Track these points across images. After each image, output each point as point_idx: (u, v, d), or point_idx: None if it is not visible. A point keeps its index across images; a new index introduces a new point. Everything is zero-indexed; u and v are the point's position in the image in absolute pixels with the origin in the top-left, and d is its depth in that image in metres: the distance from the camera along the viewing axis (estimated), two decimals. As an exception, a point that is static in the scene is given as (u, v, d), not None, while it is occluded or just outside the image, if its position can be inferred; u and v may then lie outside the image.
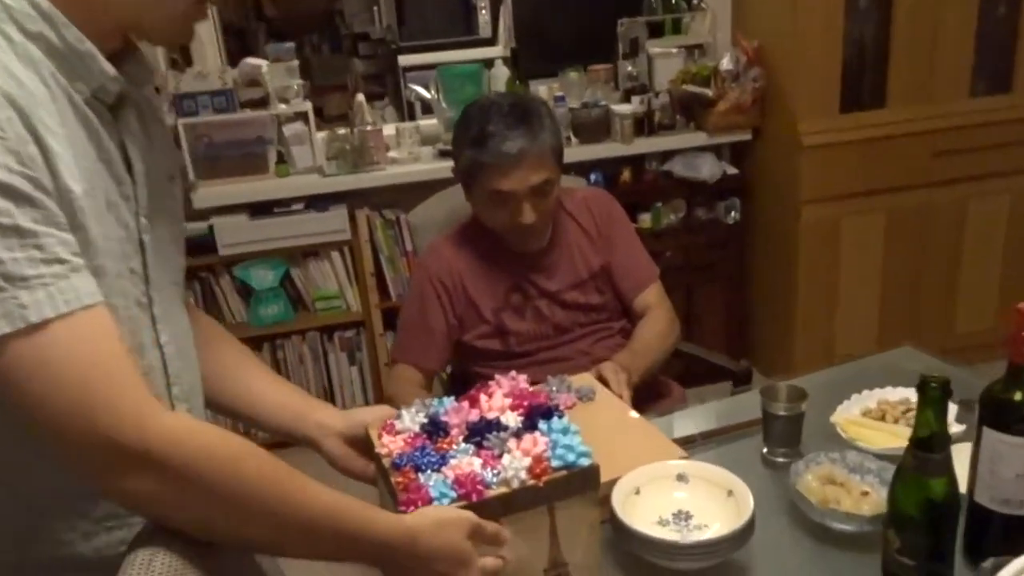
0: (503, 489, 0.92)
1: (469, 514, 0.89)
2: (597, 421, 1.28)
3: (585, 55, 3.05)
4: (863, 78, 2.70)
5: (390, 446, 1.01)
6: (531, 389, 1.11)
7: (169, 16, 0.82)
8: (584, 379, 1.42)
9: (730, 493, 1.08)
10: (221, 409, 1.09)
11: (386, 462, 1.00)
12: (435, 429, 1.03)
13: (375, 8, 5.20)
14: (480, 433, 1.00)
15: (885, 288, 2.87)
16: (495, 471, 0.93)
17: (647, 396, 1.64)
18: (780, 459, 1.24)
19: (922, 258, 2.87)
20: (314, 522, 0.80)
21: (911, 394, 1.34)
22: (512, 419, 1.03)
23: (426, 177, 2.56)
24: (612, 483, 1.12)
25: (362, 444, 1.09)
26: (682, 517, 1.09)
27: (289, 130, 2.67)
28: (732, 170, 2.99)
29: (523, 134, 1.56)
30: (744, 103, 2.82)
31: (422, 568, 0.86)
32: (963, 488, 0.96)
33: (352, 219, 2.70)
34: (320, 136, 2.71)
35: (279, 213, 2.64)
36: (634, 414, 1.30)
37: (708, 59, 2.98)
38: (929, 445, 0.92)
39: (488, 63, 3.04)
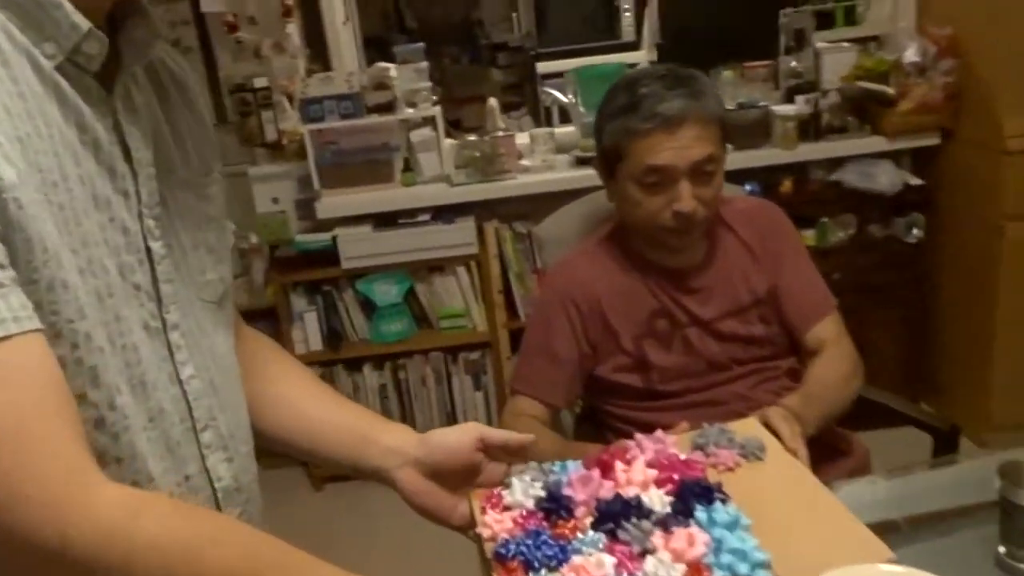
0: None
1: None
2: (766, 492, 0.99)
3: (741, 51, 2.75)
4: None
5: (495, 527, 0.78)
6: (683, 456, 0.85)
7: None
8: (749, 428, 1.12)
9: None
10: (275, 444, 0.89)
11: (488, 548, 0.77)
12: (555, 507, 0.79)
13: (514, 15, 5.09)
14: (615, 518, 0.75)
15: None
16: None
17: (820, 452, 1.32)
18: (1027, 566, 0.91)
19: None
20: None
21: None
22: (657, 499, 0.77)
23: (561, 187, 2.33)
24: None
25: (447, 475, 0.86)
26: None
27: (416, 136, 2.52)
28: (915, 180, 2.58)
29: (683, 95, 1.31)
30: (933, 101, 2.41)
31: None
32: None
33: (480, 232, 2.52)
34: (449, 143, 2.56)
35: (404, 224, 2.49)
36: (818, 484, 1.00)
37: (887, 52, 2.59)
38: None
39: (630, 66, 2.78)
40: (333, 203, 2.50)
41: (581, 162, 2.53)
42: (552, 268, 1.57)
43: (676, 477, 0.82)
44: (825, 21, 2.66)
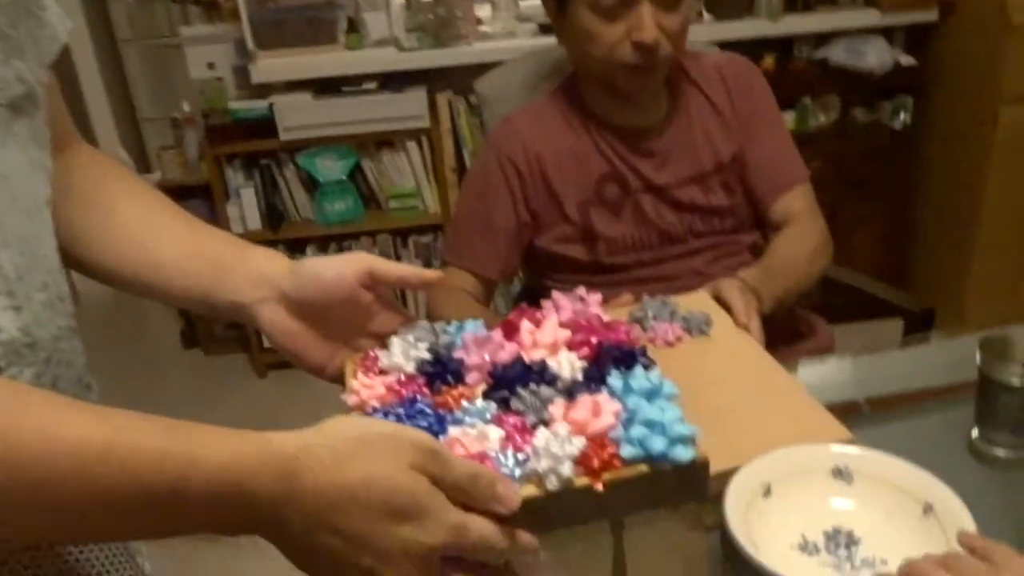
0: (530, 489, 0.52)
1: (423, 436, 0.50)
2: (711, 369, 0.85)
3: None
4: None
5: (363, 393, 0.62)
6: (608, 317, 0.70)
7: None
8: (696, 301, 0.97)
9: (928, 509, 0.63)
10: (119, 283, 0.71)
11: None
12: (440, 371, 0.64)
13: None
14: (510, 385, 0.60)
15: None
16: (520, 454, 0.53)
17: (779, 334, 1.18)
18: (1004, 453, 0.78)
19: None
20: (84, 476, 0.41)
21: None
22: (567, 364, 0.62)
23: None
24: (729, 475, 0.70)
25: (325, 318, 0.69)
26: (840, 540, 0.64)
27: (363, -6, 2.27)
28: (907, 60, 2.38)
29: None
30: (934, -31, 2.19)
31: (318, 525, 0.46)
32: None
33: (432, 104, 2.31)
34: (399, 3, 2.31)
35: (348, 93, 2.27)
36: (771, 361, 0.85)
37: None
38: None
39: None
40: (270, 67, 2.27)
41: (545, 30, 2.30)
42: (494, 126, 1.38)
43: (594, 340, 0.66)
44: None
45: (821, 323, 1.35)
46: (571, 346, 0.66)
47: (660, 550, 0.56)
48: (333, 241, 2.43)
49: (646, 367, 0.61)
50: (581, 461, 0.52)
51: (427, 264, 2.48)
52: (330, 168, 2.35)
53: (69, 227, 0.67)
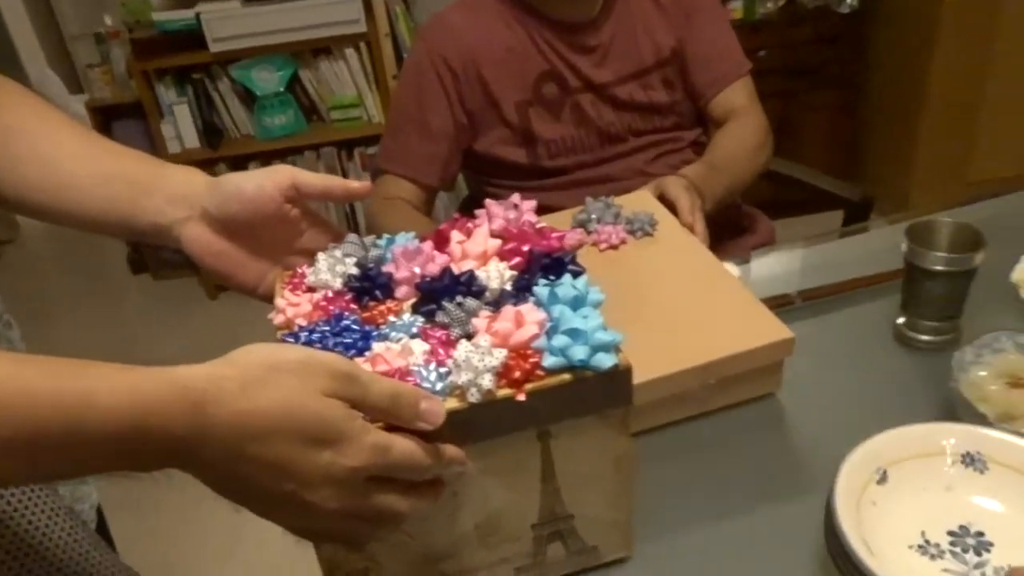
0: (453, 403, 0.52)
1: (337, 360, 0.49)
2: (655, 271, 0.86)
3: None
4: None
5: (289, 312, 0.61)
6: (543, 223, 0.68)
7: None
8: (640, 201, 0.97)
9: None
10: (30, 210, 0.68)
11: (278, 336, 0.60)
12: (368, 286, 0.63)
13: None
14: (436, 298, 0.59)
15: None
16: (443, 368, 0.53)
17: (722, 230, 1.19)
18: (929, 338, 0.80)
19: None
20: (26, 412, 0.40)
21: None
22: (497, 275, 0.61)
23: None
24: (672, 379, 0.71)
25: (251, 234, 0.66)
26: (969, 543, 0.57)
27: None
28: (855, -62, 2.31)
29: None
30: None
31: (231, 457, 0.45)
32: None
33: (368, 7, 2.21)
34: None
35: (278, -1, 2.16)
36: (715, 261, 0.86)
37: None
38: None
39: None
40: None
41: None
42: (425, 24, 1.33)
43: (526, 248, 0.65)
44: None
45: (763, 217, 1.36)
46: (502, 256, 0.65)
47: (588, 456, 0.57)
48: (276, 157, 2.36)
49: (575, 274, 0.61)
50: (503, 373, 0.52)
51: (374, 176, 2.43)
52: (267, 80, 2.26)
53: None
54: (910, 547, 0.56)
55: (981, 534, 0.57)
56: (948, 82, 2.21)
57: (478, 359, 0.52)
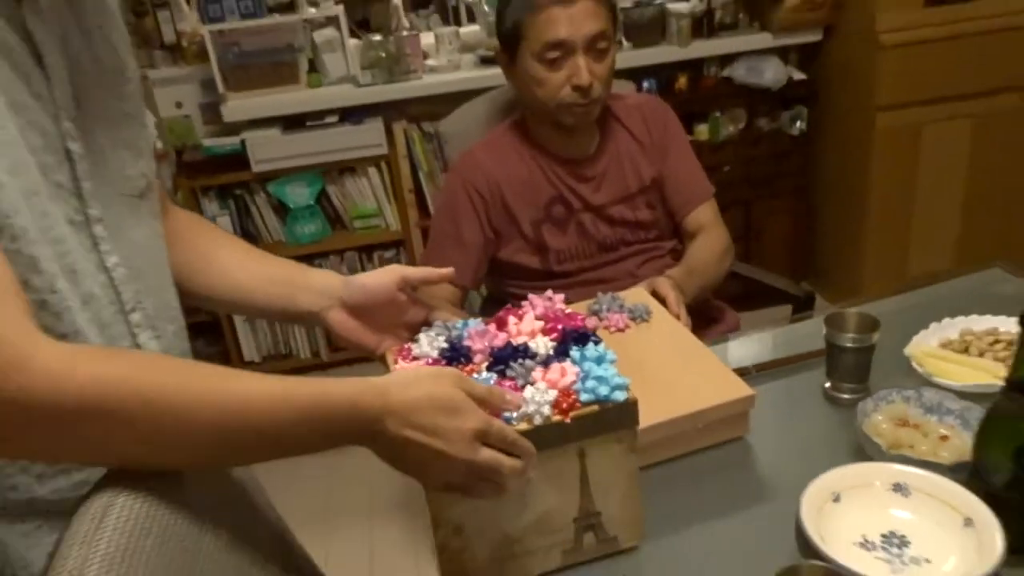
0: (524, 426, 0.80)
1: (454, 370, 0.79)
2: (653, 347, 1.16)
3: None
4: (953, -35, 2.41)
5: None
6: (569, 310, 0.98)
7: None
8: (638, 296, 1.29)
9: (968, 522, 0.80)
10: (213, 305, 0.98)
11: None
12: (455, 355, 0.92)
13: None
14: (504, 361, 0.89)
15: (969, 202, 2.63)
16: (526, 409, 0.82)
17: (698, 319, 1.50)
18: (846, 396, 1.10)
19: (1014, 168, 2.60)
20: (250, 412, 0.68)
21: (1001, 323, 1.19)
22: (543, 345, 0.90)
23: (467, 86, 2.39)
24: (666, 425, 1.00)
25: (372, 314, 0.97)
26: (894, 542, 0.83)
27: (320, 37, 2.52)
28: (799, 75, 2.74)
29: None
30: (816, -2, 2.55)
31: (403, 424, 0.72)
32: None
33: (389, 132, 2.57)
34: (353, 43, 2.56)
35: (312, 127, 2.51)
36: (695, 340, 1.16)
37: (777, -51, 2.69)
38: (1032, 387, 0.77)
39: (533, -40, 2.80)
40: (239, 106, 2.50)
41: (486, 61, 2.58)
42: (456, 159, 1.67)
43: (560, 327, 0.95)
44: (719, -83, 2.73)
45: (730, 310, 1.67)
46: (544, 332, 0.94)
47: (610, 470, 0.85)
48: (304, 261, 2.66)
49: (596, 343, 0.90)
50: (555, 405, 0.81)
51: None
52: (299, 194, 2.59)
53: (179, 271, 0.93)
54: (854, 544, 0.83)
55: (904, 536, 0.83)
56: (883, 193, 2.59)
57: (540, 396, 0.81)
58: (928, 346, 1.16)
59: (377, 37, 2.55)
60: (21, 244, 0.67)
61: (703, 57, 2.68)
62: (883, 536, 0.84)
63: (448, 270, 1.00)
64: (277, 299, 0.96)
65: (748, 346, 1.32)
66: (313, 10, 2.48)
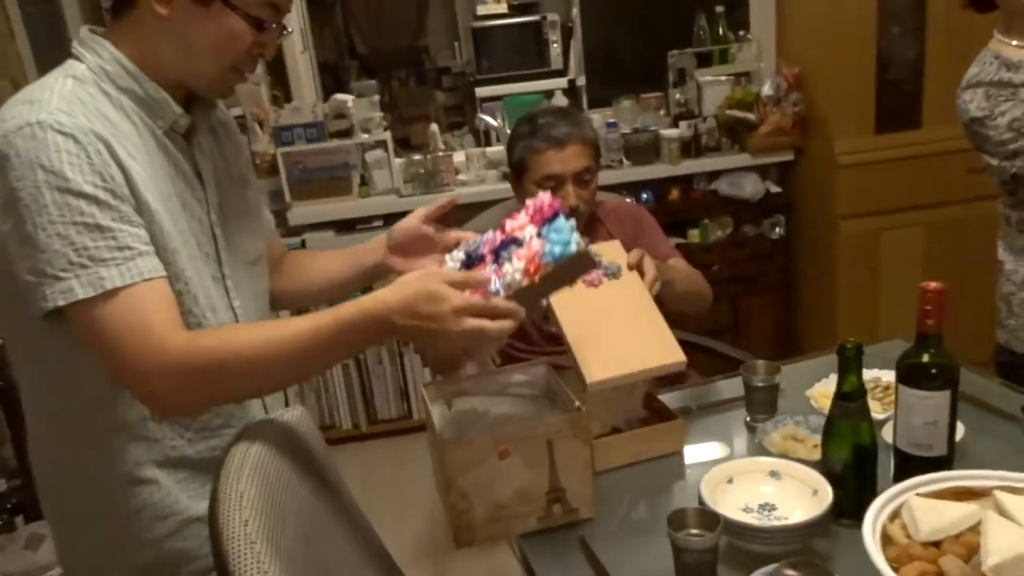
0: (505, 293, 1.05)
1: (435, 269, 1.11)
2: (613, 300, 1.44)
3: (637, 84, 3.33)
4: (898, 101, 2.87)
5: None
6: (551, 201, 1.18)
7: (206, 79, 1.10)
8: (612, 252, 1.54)
9: (815, 493, 1.14)
10: (317, 302, 1.42)
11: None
12: (470, 261, 1.18)
13: (456, 44, 5.60)
14: (498, 252, 1.13)
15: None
16: (501, 279, 1.06)
17: (668, 379, 1.87)
18: (759, 424, 1.47)
19: (963, 270, 2.98)
20: (299, 343, 1.00)
21: (884, 374, 1.56)
22: (528, 233, 1.12)
23: (490, 197, 2.82)
24: (613, 381, 1.33)
25: (415, 245, 1.31)
26: (767, 508, 1.18)
27: (371, 156, 3.03)
28: (775, 188, 3.18)
29: (569, 124, 1.87)
30: (785, 126, 3.02)
31: (405, 316, 0.99)
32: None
33: (425, 235, 3.03)
34: (398, 162, 3.07)
35: (361, 230, 3.00)
36: (650, 301, 1.45)
37: (754, 86, 3.20)
38: (850, 396, 1.14)
39: (548, 94, 3.35)
40: (302, 212, 3.00)
41: (507, 176, 3.07)
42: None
43: (541, 216, 1.15)
44: (705, 60, 3.26)
45: (695, 374, 2.05)
46: (531, 222, 1.17)
47: (571, 455, 1.22)
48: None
49: (565, 217, 1.14)
50: (524, 272, 1.04)
51: (423, 357, 3.15)
52: (347, 286, 3.05)
53: (288, 280, 1.39)
54: (738, 509, 1.18)
55: (773, 504, 1.18)
56: (850, 288, 2.97)
57: (514, 267, 1.08)
58: (824, 389, 1.53)
59: (417, 157, 3.06)
60: (190, 287, 1.09)
61: (692, 173, 3.14)
62: (760, 505, 1.20)
63: (452, 195, 1.36)
64: (353, 267, 1.38)
65: (695, 393, 1.69)
66: (366, 135, 3.01)
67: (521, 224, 1.15)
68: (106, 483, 1.10)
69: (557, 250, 1.02)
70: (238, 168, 1.26)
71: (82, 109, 1.00)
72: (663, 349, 1.37)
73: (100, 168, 0.97)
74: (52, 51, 2.74)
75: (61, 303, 0.95)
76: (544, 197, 1.18)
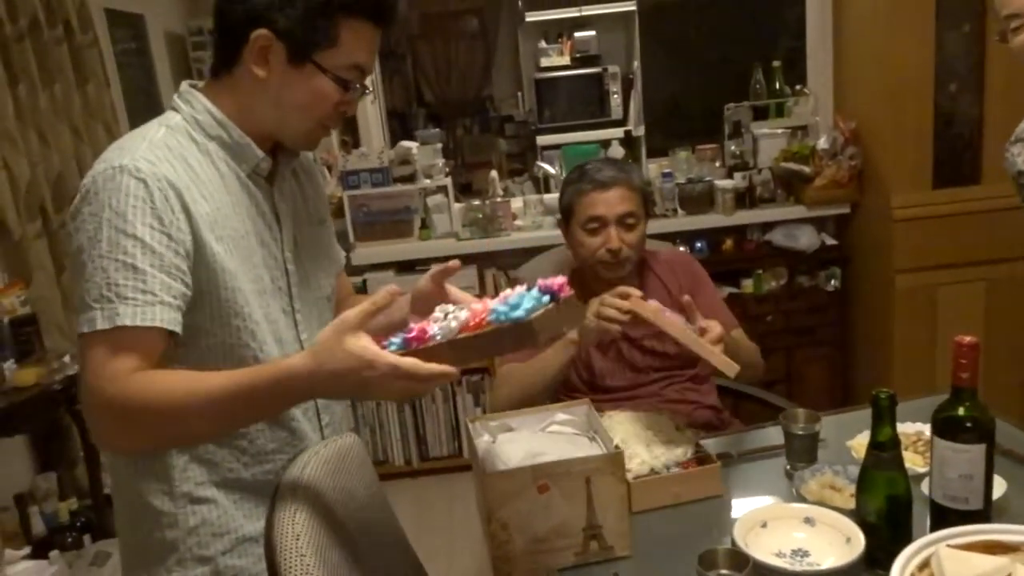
0: (438, 340, 1.02)
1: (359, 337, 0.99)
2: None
3: (699, 136, 3.39)
4: (956, 156, 2.86)
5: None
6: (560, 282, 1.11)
7: (295, 133, 1.19)
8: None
9: (848, 540, 1.16)
10: None
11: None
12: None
13: (519, 94, 5.78)
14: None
15: (987, 357, 2.93)
16: (442, 325, 1.04)
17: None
18: (797, 472, 1.49)
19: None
20: (214, 400, 1.01)
21: (927, 428, 1.56)
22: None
23: (546, 242, 2.92)
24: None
25: (429, 299, 1.29)
26: (800, 554, 1.20)
27: (432, 201, 3.16)
28: (831, 240, 3.19)
29: (615, 169, 1.96)
30: (841, 179, 3.04)
31: (338, 379, 0.98)
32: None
33: (481, 278, 3.14)
34: (457, 206, 3.19)
35: (420, 271, 3.11)
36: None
37: (810, 139, 3.23)
38: (883, 446, 1.17)
39: (606, 143, 3.44)
40: (364, 253, 3.13)
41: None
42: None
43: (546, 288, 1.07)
44: (761, 114, 3.31)
45: (737, 422, 2.07)
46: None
47: (607, 493, 1.27)
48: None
49: (551, 296, 1.05)
50: (465, 326, 1.01)
51: (476, 398, 3.23)
52: (405, 325, 3.16)
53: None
54: (771, 554, 1.21)
55: (806, 550, 1.20)
56: (906, 344, 2.94)
57: (454, 314, 1.07)
58: (864, 440, 1.54)
59: (476, 202, 3.18)
60: (247, 323, 1.17)
61: (746, 224, 3.17)
62: (793, 550, 1.22)
63: (455, 262, 1.35)
64: (385, 327, 1.43)
65: (739, 438, 1.72)
66: (428, 181, 3.14)
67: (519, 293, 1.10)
68: (170, 500, 1.19)
69: (504, 313, 0.98)
70: (316, 209, 1.36)
71: (166, 155, 1.11)
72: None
73: (161, 212, 1.05)
74: (141, 96, 2.96)
75: (86, 330, 1.03)
76: (558, 278, 1.11)
